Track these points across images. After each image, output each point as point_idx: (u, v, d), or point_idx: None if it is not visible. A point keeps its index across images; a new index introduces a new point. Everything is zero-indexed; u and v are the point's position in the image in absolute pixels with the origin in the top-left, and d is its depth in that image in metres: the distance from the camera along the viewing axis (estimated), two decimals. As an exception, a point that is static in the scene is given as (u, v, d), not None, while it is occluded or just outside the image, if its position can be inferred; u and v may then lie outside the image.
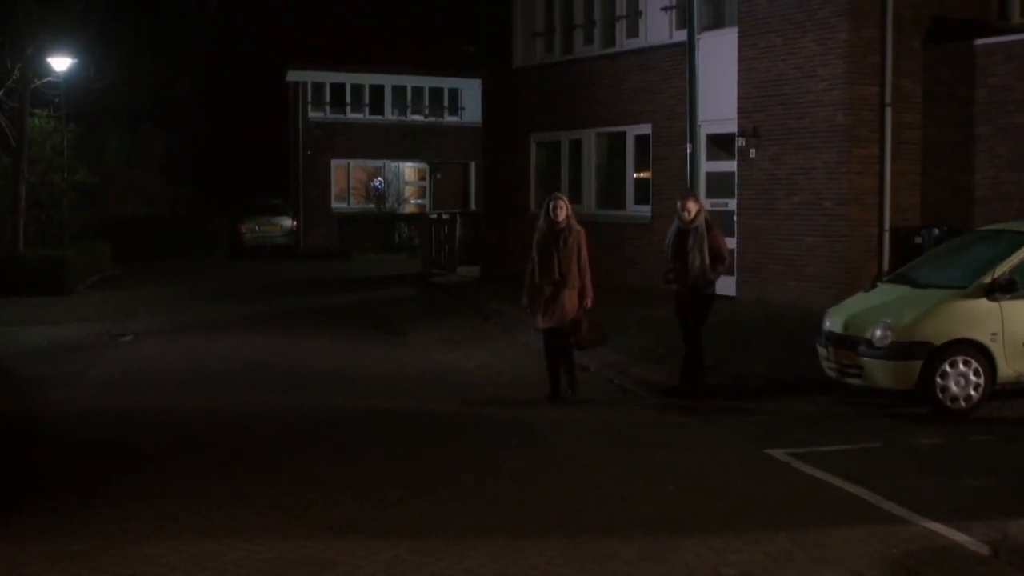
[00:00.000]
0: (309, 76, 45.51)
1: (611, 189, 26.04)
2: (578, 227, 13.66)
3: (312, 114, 45.73)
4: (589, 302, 13.61)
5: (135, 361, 17.51)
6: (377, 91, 46.62)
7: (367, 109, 46.52)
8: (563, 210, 13.51)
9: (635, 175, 25.25)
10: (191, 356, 17.97)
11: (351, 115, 46.33)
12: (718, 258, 13.62)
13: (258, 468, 10.60)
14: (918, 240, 19.21)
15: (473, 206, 42.78)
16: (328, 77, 45.87)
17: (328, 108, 46.10)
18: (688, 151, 15.03)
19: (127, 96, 38.02)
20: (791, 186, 20.71)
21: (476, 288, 26.62)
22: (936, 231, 19.01)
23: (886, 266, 19.47)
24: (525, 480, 10.14)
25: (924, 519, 8.67)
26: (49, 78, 30.88)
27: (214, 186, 45.60)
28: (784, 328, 17.95)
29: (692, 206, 13.63)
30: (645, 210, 24.35)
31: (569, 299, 13.48)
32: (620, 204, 25.14)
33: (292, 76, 45.35)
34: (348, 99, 46.30)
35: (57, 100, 31.52)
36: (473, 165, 45.25)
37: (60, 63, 30.86)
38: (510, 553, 7.97)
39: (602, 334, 13.82)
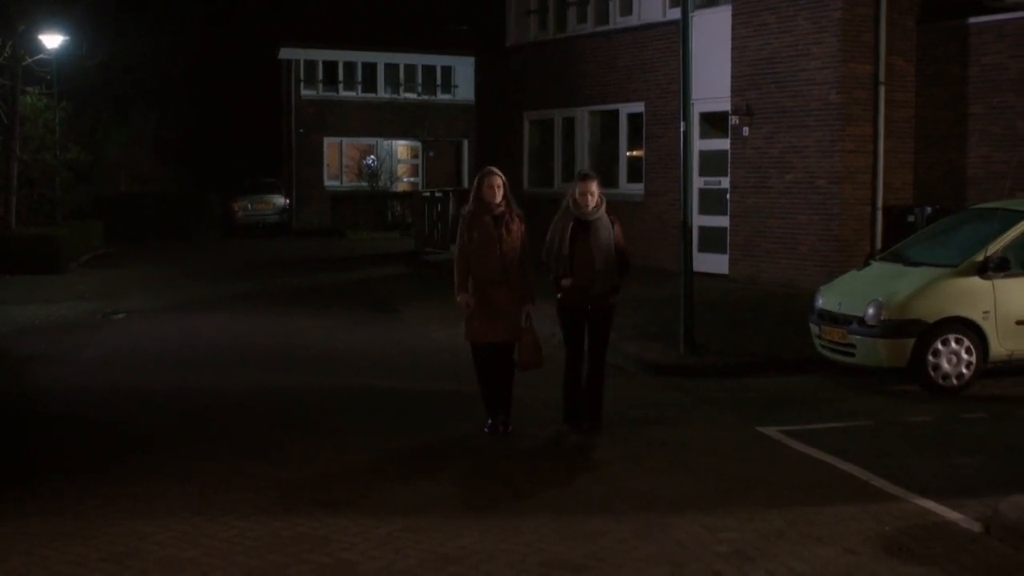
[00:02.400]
0: (302, 54, 45.38)
1: (604, 167, 26.00)
2: (519, 210, 10.92)
3: (305, 92, 45.62)
4: (530, 309, 10.83)
5: (128, 339, 17.49)
6: (370, 69, 46.53)
7: (360, 87, 46.43)
8: (500, 188, 10.67)
9: (628, 153, 25.24)
10: (184, 334, 17.95)
11: (344, 93, 46.23)
12: (625, 260, 10.98)
13: (252, 447, 10.60)
14: (910, 218, 19.24)
15: (466, 184, 42.73)
16: (321, 55, 45.74)
17: (321, 86, 45.98)
18: (681, 129, 14.95)
19: (119, 74, 37.91)
20: (784, 164, 20.71)
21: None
22: (928, 209, 19.05)
23: (878, 244, 19.51)
24: (519, 458, 10.15)
25: (916, 496, 8.71)
26: (41, 55, 30.79)
27: (207, 164, 45.57)
28: (776, 306, 17.98)
29: (595, 190, 10.82)
30: (638, 188, 24.35)
31: (515, 304, 10.72)
32: (613, 182, 25.10)
33: (285, 54, 45.22)
34: (341, 77, 46.20)
35: (49, 78, 31.43)
36: (466, 143, 45.27)
37: (52, 40, 30.78)
38: (504, 531, 7.99)
39: (540, 350, 10.90)
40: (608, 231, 10.82)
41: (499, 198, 10.66)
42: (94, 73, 34.64)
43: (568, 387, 11.09)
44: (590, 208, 10.81)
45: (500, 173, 10.86)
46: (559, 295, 10.97)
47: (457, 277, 10.90)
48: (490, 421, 10.89)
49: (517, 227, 10.73)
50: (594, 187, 10.85)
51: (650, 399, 12.62)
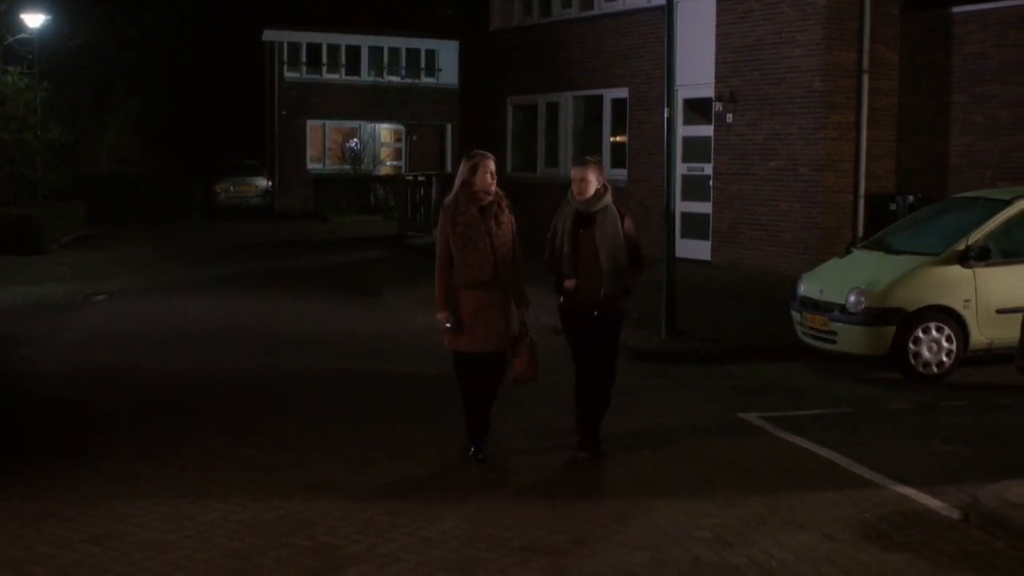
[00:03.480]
0: (285, 36, 45.26)
1: (588, 153, 25.99)
2: (506, 200, 9.51)
3: (288, 74, 45.51)
4: (527, 312, 9.59)
5: (109, 321, 17.45)
6: (353, 52, 46.43)
7: (343, 70, 46.34)
8: (493, 175, 9.37)
9: (612, 139, 25.24)
10: (165, 316, 17.92)
11: (327, 75, 46.14)
12: (637, 260, 9.57)
13: (234, 429, 10.60)
14: (892, 206, 19.32)
15: (449, 168, 42.70)
16: (304, 37, 45.63)
17: (304, 68, 45.89)
18: (665, 115, 14.96)
19: (102, 54, 37.74)
20: (767, 151, 20.75)
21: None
22: (911, 198, 19.13)
23: (860, 232, 19.57)
24: (501, 444, 10.16)
25: (896, 483, 8.76)
26: (22, 34, 30.63)
27: (189, 146, 45.39)
28: (759, 293, 18.02)
29: (592, 177, 9.43)
30: (621, 174, 24.33)
31: (505, 308, 9.43)
32: (597, 168, 25.10)
33: (268, 36, 45.07)
34: (324, 59, 46.10)
35: (30, 57, 31.26)
36: (449, 127, 45.21)
37: (34, 19, 30.62)
38: (486, 515, 8.01)
39: (538, 361, 9.63)
40: (615, 224, 9.37)
41: (493, 185, 9.33)
42: (76, 53, 34.47)
43: (581, 406, 9.73)
44: (588, 197, 9.39)
45: (492, 157, 9.49)
46: (561, 299, 9.62)
47: (439, 284, 9.38)
48: (473, 447, 9.52)
49: (508, 218, 9.39)
50: (590, 173, 9.41)
51: (632, 385, 12.62)
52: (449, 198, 9.37)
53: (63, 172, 35.94)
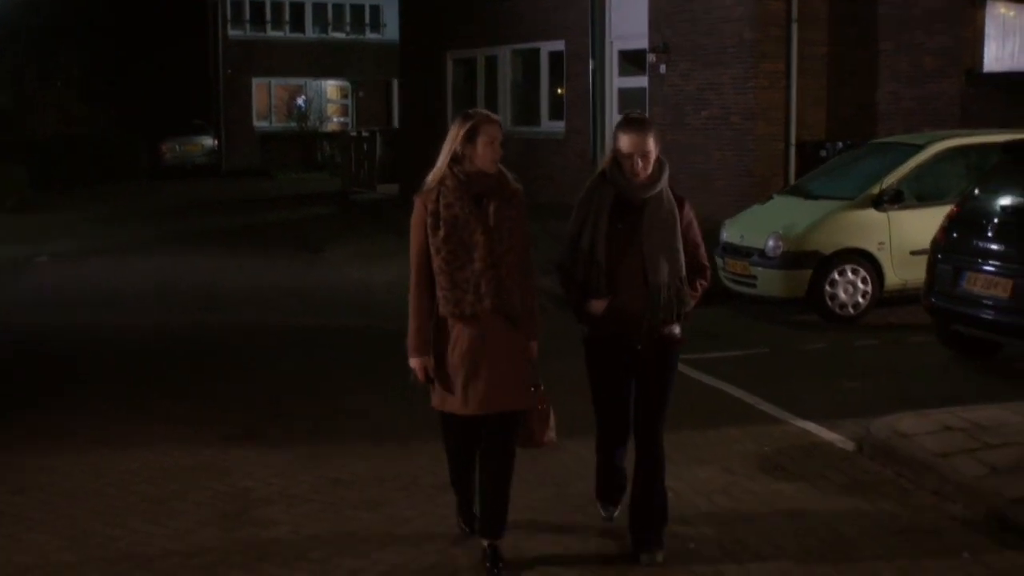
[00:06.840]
0: (228, -8, 45.03)
1: (526, 105, 26.22)
2: (516, 183, 6.24)
3: (232, 32, 45.27)
4: (535, 347, 6.62)
5: (49, 282, 17.59)
6: (297, 8, 46.22)
7: (288, 26, 46.14)
8: (498, 148, 6.10)
9: (550, 91, 25.43)
10: (106, 276, 18.06)
11: (272, 32, 45.94)
12: (700, 268, 6.64)
13: (165, 384, 10.84)
14: (823, 154, 19.61)
15: (396, 124, 42.73)
16: (247, -7, 45.44)
17: (248, 26, 45.65)
18: (590, 67, 15.19)
19: (41, 12, 37.45)
20: (700, 101, 20.98)
21: (395, 206, 26.77)
22: (840, 145, 19.43)
23: (792, 180, 19.86)
24: (421, 392, 10.41)
25: (798, 419, 9.12)
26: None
27: (134, 106, 45.12)
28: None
29: (653, 147, 6.24)
30: (559, 126, 24.56)
31: (513, 347, 6.40)
32: (535, 121, 25.35)
33: (211, -7, 44.85)
34: (268, 16, 45.87)
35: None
36: (396, 82, 45.09)
37: (-30, -19, 30.41)
38: (399, 457, 8.29)
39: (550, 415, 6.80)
40: (673, 216, 6.36)
41: (495, 162, 6.10)
42: (13, 11, 34.20)
43: (603, 467, 7.10)
44: (643, 178, 6.27)
45: (499, 120, 6.26)
46: (587, 328, 6.78)
47: (413, 311, 6.27)
48: (463, 521, 6.84)
49: (517, 213, 6.20)
50: (652, 142, 6.24)
51: (550, 328, 12.88)
52: (430, 177, 6.14)
53: (4, 135, 35.74)
